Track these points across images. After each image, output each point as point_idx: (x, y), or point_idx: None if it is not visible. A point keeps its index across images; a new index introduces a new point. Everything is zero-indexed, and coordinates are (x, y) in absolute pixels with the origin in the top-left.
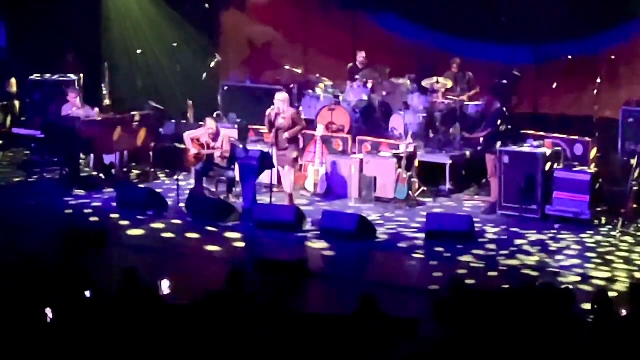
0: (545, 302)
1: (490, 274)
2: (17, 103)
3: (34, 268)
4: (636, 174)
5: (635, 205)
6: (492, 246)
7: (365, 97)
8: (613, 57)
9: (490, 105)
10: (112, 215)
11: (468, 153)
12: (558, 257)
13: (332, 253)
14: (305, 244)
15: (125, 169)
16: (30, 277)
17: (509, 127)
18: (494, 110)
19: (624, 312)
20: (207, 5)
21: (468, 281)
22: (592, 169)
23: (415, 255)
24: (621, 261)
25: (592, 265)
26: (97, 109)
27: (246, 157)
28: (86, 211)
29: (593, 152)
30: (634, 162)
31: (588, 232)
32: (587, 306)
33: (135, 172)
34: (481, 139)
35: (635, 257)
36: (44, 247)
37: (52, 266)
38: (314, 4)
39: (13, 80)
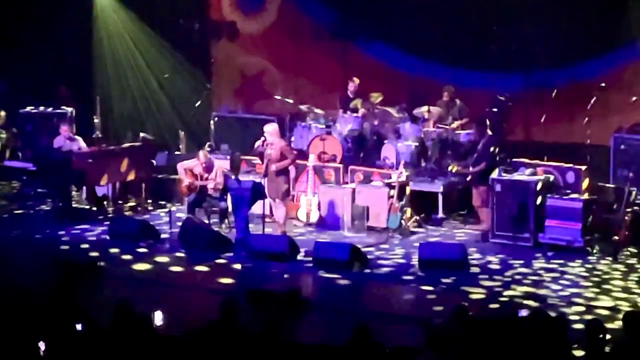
0: (539, 329)
1: (477, 297)
2: (4, 135)
3: (26, 301)
4: (633, 197)
5: (627, 233)
6: (484, 275)
7: (356, 127)
8: (603, 84)
9: (480, 135)
10: (105, 247)
11: (459, 185)
12: (553, 286)
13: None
14: (298, 274)
15: (118, 201)
16: (22, 310)
17: (502, 155)
18: (485, 142)
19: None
20: (196, 26)
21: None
22: (585, 196)
23: (409, 284)
24: (618, 289)
25: (590, 294)
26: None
27: (238, 187)
28: (80, 244)
29: (585, 180)
30: (626, 189)
31: (581, 259)
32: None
33: (128, 203)
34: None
35: (631, 285)
36: (35, 279)
37: (45, 299)
38: (305, 34)
39: (2, 113)
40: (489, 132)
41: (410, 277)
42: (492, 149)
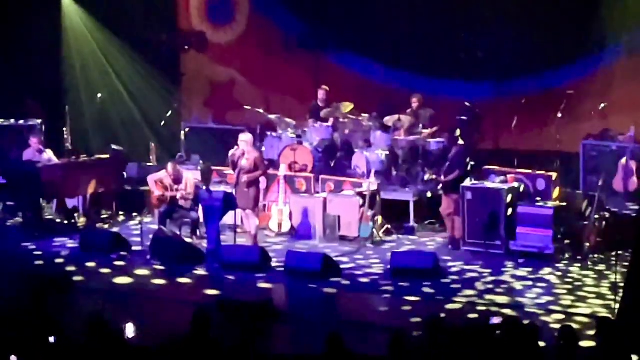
0: (511, 337)
1: (449, 307)
2: None
3: None
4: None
5: (597, 239)
6: (457, 285)
7: (327, 136)
8: (571, 91)
9: (451, 143)
10: (77, 260)
11: (429, 193)
12: (525, 293)
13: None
14: (270, 284)
15: (89, 213)
16: None
17: (472, 163)
18: (457, 151)
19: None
20: (164, 47)
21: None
22: (555, 203)
23: (381, 293)
24: (593, 295)
25: (563, 301)
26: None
27: (210, 198)
28: (51, 257)
29: (556, 189)
30: (596, 195)
31: (552, 266)
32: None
33: (99, 216)
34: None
35: (605, 291)
36: (7, 293)
37: (16, 312)
38: (274, 44)
39: None
40: (460, 141)
41: (384, 286)
42: (464, 160)
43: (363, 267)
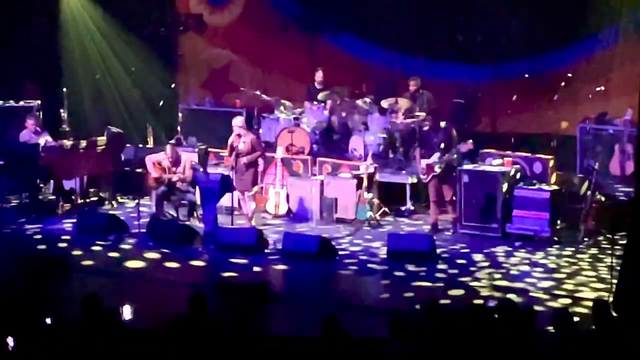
0: (507, 319)
1: (451, 292)
2: None
3: None
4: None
5: (593, 222)
6: (454, 270)
7: (324, 119)
8: (570, 74)
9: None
10: (73, 241)
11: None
12: (520, 276)
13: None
14: (268, 266)
15: (86, 195)
16: None
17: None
18: (445, 135)
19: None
20: (162, 29)
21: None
22: (552, 186)
23: (376, 276)
24: (593, 279)
25: (555, 283)
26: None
27: (207, 180)
28: (48, 239)
29: (554, 174)
30: (592, 179)
31: (549, 249)
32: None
33: (96, 197)
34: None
35: (602, 274)
36: (3, 274)
37: (13, 294)
38: (271, 26)
39: None
40: (448, 126)
41: (380, 268)
42: (452, 144)
43: (361, 250)
